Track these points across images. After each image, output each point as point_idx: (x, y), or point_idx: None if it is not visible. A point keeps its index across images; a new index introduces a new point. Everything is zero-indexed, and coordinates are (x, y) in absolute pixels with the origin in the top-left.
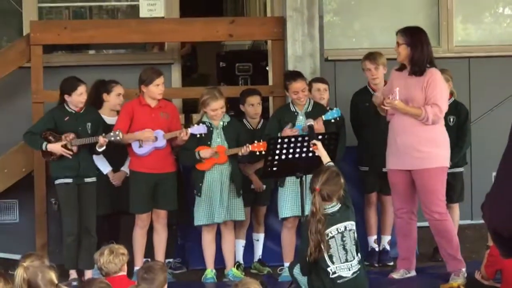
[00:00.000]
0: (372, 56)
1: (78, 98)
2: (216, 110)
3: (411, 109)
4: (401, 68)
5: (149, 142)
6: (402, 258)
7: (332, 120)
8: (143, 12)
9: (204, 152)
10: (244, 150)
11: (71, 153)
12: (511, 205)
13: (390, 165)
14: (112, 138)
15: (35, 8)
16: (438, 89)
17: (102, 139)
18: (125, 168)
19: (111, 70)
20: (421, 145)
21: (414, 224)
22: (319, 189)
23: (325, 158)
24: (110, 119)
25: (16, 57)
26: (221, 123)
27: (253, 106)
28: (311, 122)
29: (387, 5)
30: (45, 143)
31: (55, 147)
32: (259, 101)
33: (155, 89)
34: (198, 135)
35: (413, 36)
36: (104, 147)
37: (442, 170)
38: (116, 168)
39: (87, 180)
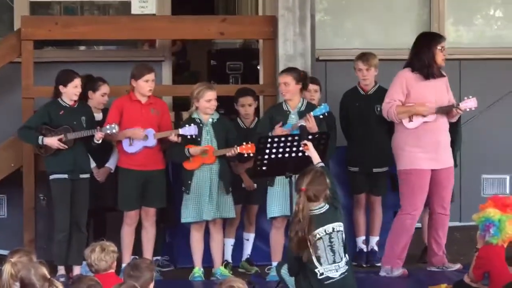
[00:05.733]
0: (365, 57)
1: (73, 90)
2: (210, 100)
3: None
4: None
5: (139, 141)
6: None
7: (321, 116)
8: (135, 9)
9: (193, 149)
10: (232, 152)
11: (66, 146)
12: None
13: (425, 166)
14: (108, 131)
15: (27, 3)
16: None
17: (99, 134)
18: (109, 165)
19: (102, 67)
20: (448, 144)
21: None
22: (305, 189)
23: (316, 159)
24: (95, 115)
25: (7, 52)
26: (210, 120)
27: (243, 107)
28: (302, 122)
29: (379, 5)
30: (41, 137)
31: (52, 141)
32: (250, 102)
33: (144, 85)
34: (188, 136)
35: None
36: (101, 140)
37: None
38: (100, 164)
39: (82, 176)
